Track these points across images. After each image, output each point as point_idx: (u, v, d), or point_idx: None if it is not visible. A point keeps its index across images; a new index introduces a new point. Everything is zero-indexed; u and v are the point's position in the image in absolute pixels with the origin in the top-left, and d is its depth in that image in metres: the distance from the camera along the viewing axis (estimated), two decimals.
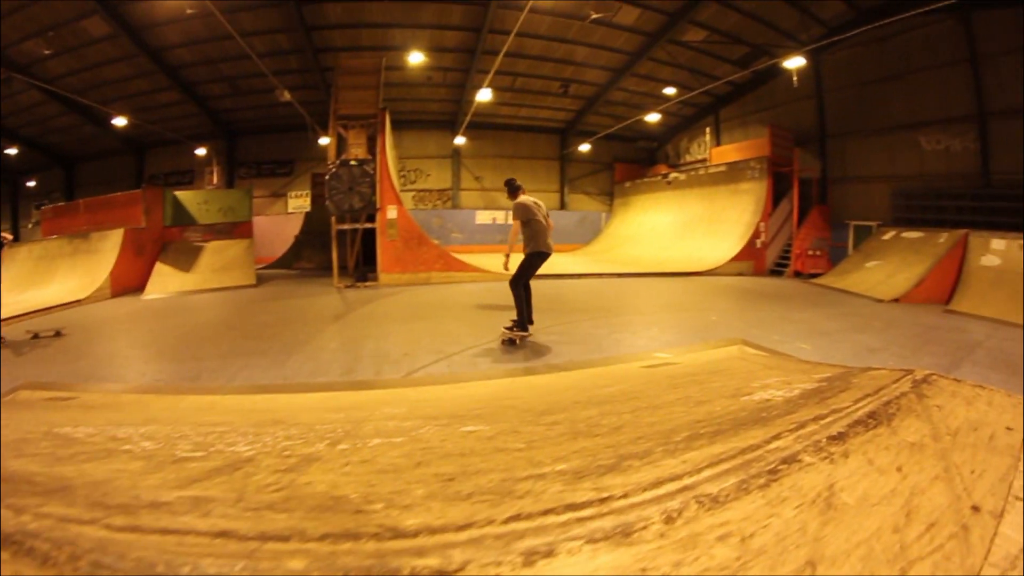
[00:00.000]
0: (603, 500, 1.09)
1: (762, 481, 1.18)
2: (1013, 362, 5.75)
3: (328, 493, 1.24)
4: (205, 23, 12.83)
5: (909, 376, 1.69)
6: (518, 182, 6.10)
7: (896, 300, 10.27)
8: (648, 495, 1.11)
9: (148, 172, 21.57)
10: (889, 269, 11.72)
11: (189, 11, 12.61)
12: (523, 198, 5.89)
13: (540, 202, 5.99)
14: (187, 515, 1.11)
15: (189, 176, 21.60)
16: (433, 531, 1.00)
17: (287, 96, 14.90)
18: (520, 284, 5.74)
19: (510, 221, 5.91)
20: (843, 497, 1.15)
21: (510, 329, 5.65)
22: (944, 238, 11.30)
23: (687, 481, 1.18)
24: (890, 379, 1.70)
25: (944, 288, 10.47)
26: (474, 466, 1.43)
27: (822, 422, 1.46)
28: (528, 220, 5.74)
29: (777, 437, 1.41)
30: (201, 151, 20.34)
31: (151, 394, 3.87)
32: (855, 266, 12.89)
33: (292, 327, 6.45)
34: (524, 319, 5.69)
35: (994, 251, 10.43)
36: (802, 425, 1.47)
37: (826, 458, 1.27)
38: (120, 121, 16.91)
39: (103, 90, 16.20)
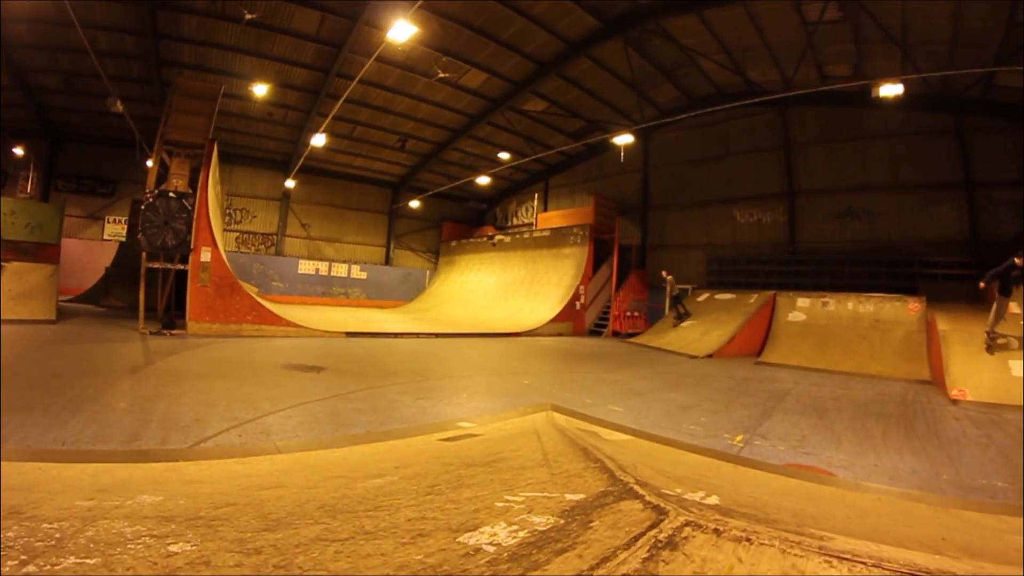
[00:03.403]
0: None
1: None
2: (820, 405, 6.33)
3: None
4: (55, 3, 10.58)
5: (654, 532, 1.16)
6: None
7: (710, 356, 10.91)
8: None
9: None
10: (703, 327, 12.56)
11: None
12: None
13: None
14: None
15: (1, 179, 17.60)
16: None
17: (119, 107, 12.80)
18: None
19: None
20: None
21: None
22: (755, 298, 12.52)
23: None
24: (627, 537, 1.16)
25: (755, 342, 11.46)
26: None
27: None
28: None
29: None
30: (19, 151, 16.93)
31: None
32: (671, 325, 13.74)
33: (84, 378, 5.77)
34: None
35: (800, 308, 11.78)
36: None
37: None
38: None
39: None
